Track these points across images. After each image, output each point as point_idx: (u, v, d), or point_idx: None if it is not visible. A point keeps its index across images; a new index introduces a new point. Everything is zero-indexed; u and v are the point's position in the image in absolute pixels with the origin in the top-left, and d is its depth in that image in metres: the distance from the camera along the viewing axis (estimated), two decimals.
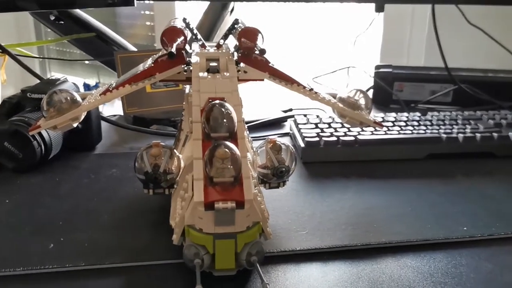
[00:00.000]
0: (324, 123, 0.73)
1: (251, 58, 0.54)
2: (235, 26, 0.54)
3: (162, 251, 0.44)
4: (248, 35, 0.53)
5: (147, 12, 1.69)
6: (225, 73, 0.49)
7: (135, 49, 0.84)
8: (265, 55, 0.55)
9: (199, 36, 0.55)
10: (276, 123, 0.82)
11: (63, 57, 1.52)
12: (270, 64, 0.54)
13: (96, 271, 0.42)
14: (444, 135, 0.68)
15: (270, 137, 0.50)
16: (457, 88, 0.90)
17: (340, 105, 0.55)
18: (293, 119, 0.76)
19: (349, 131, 0.69)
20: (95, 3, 0.66)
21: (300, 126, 0.72)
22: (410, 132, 0.69)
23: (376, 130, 0.70)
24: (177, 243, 0.41)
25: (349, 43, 0.95)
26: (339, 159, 0.66)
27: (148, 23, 1.72)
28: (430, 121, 0.74)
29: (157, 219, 0.50)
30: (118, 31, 1.66)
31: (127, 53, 0.76)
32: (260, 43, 0.53)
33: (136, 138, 0.76)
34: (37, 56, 0.84)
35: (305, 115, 0.76)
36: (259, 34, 0.54)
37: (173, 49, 0.48)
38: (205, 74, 0.49)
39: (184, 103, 0.59)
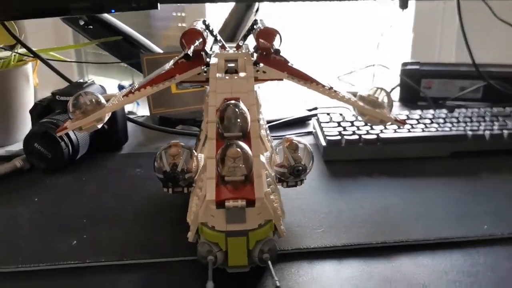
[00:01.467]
0: (346, 121, 0.72)
1: (270, 58, 0.54)
2: (254, 26, 0.55)
3: (180, 248, 0.45)
4: (266, 35, 0.53)
5: (178, 14, 1.71)
6: (242, 74, 0.50)
7: (161, 51, 0.86)
8: (283, 55, 0.56)
9: (218, 37, 0.56)
10: (299, 122, 0.82)
11: (100, 60, 1.56)
12: (289, 64, 0.54)
13: (116, 267, 0.44)
14: (470, 132, 0.67)
15: (287, 136, 0.51)
16: (486, 85, 0.87)
17: (360, 103, 0.55)
18: (316, 117, 0.76)
19: (372, 129, 0.69)
20: (120, 7, 0.68)
21: (322, 124, 0.72)
22: (434, 129, 0.68)
23: (399, 128, 0.69)
24: (192, 241, 0.42)
25: (375, 40, 0.94)
26: (361, 157, 0.66)
27: (180, 24, 1.74)
28: (457, 118, 0.72)
29: (177, 217, 0.51)
30: (151, 34, 1.69)
31: (153, 55, 0.78)
32: (277, 43, 0.53)
33: (162, 138, 0.77)
34: (68, 60, 0.87)
35: (328, 114, 0.76)
36: (277, 35, 0.55)
37: (190, 51, 0.49)
38: (223, 75, 0.50)
39: (204, 104, 0.60)
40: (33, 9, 0.67)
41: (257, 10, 0.95)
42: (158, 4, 0.70)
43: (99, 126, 0.54)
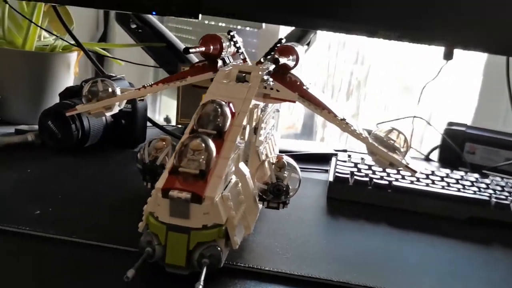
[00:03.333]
0: (365, 164, 0.68)
1: (285, 77, 0.53)
2: (277, 45, 0.54)
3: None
4: (283, 52, 0.52)
5: (254, 40, 1.71)
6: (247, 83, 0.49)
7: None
8: (299, 76, 0.54)
9: (241, 50, 0.56)
10: (320, 159, 0.78)
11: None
12: (304, 87, 0.53)
13: (62, 241, 0.43)
14: (494, 200, 0.60)
15: (278, 154, 0.48)
16: None
17: (371, 140, 0.52)
18: (336, 156, 0.73)
19: (387, 175, 0.64)
20: (161, 10, 0.70)
21: (338, 162, 0.68)
22: (456, 189, 0.62)
23: (418, 180, 0.64)
24: (141, 230, 0.40)
25: (417, 90, 0.89)
26: (367, 201, 0.61)
27: (253, 50, 1.75)
28: (487, 184, 0.66)
29: None
30: None
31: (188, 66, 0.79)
32: (291, 59, 0.52)
33: None
34: (109, 55, 0.91)
35: (349, 155, 0.72)
36: (294, 53, 0.53)
37: (191, 48, 0.49)
38: (228, 81, 0.49)
39: None
40: None
41: (309, 43, 0.94)
42: (200, 15, 0.71)
43: (108, 113, 0.55)
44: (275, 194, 0.45)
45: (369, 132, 0.53)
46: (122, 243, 0.43)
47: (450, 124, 0.88)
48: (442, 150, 0.87)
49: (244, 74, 0.51)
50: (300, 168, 0.46)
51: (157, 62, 0.87)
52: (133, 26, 0.85)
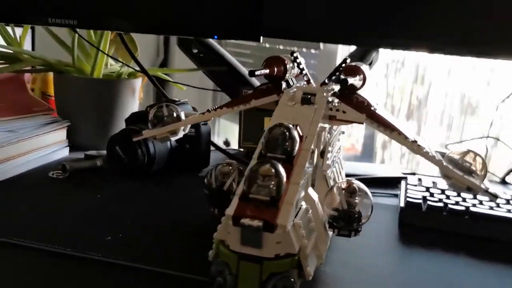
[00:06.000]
0: (437, 188, 0.65)
1: (352, 98, 0.51)
2: (342, 65, 0.53)
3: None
4: (350, 71, 0.51)
5: (312, 61, 1.70)
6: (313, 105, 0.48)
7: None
8: (366, 97, 0.52)
9: (305, 72, 0.55)
10: (389, 183, 0.75)
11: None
12: (372, 108, 0.51)
13: (126, 267, 0.42)
14: None
15: (348, 178, 0.46)
16: None
17: (445, 163, 0.49)
18: (405, 179, 0.69)
19: (464, 201, 0.60)
20: (222, 34, 0.71)
21: (408, 186, 0.65)
22: None
23: (498, 205, 0.60)
24: (211, 259, 0.39)
25: (480, 108, 0.84)
26: (442, 228, 0.58)
27: (312, 72, 1.74)
28: None
29: None
30: None
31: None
32: (357, 79, 0.50)
33: None
34: (171, 80, 0.92)
35: (419, 179, 0.68)
36: (360, 73, 0.52)
37: (257, 70, 0.48)
38: (293, 103, 0.48)
39: None
40: (149, 24, 0.72)
41: (371, 63, 0.92)
42: (261, 37, 0.70)
43: (173, 138, 0.55)
44: (346, 221, 0.43)
45: (442, 154, 0.50)
46: (194, 272, 0.42)
47: None
48: None
49: (309, 96, 0.49)
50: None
51: (218, 86, 0.88)
52: (195, 51, 0.86)
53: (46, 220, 0.51)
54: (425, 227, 0.58)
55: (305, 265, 0.37)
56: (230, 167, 0.48)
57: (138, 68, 0.79)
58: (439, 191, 0.63)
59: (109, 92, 0.79)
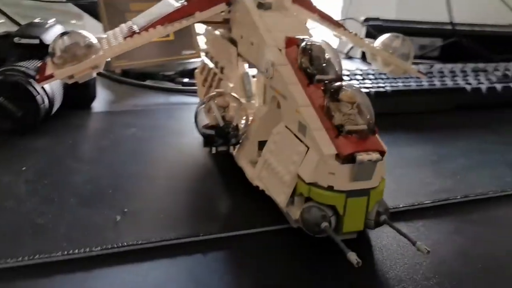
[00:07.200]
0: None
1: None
2: None
3: (251, 217, 0.38)
4: None
5: None
6: (284, 11, 0.44)
7: None
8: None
9: None
10: None
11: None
12: (318, 7, 0.50)
13: (187, 244, 0.35)
14: (468, 86, 0.67)
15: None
16: (447, 43, 0.90)
17: (385, 52, 0.53)
18: None
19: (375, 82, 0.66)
20: None
21: None
22: (439, 83, 0.66)
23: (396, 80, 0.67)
24: (285, 206, 0.35)
25: None
26: None
27: None
28: (442, 72, 0.72)
29: (221, 181, 0.43)
30: None
31: None
32: None
33: (133, 94, 0.66)
34: None
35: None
36: None
37: None
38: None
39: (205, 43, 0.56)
40: None
41: None
42: None
43: (94, 74, 0.44)
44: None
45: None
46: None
47: (367, 20, 0.92)
48: None
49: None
50: None
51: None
52: None
53: None
54: None
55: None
56: (225, 98, 0.41)
57: None
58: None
59: None
